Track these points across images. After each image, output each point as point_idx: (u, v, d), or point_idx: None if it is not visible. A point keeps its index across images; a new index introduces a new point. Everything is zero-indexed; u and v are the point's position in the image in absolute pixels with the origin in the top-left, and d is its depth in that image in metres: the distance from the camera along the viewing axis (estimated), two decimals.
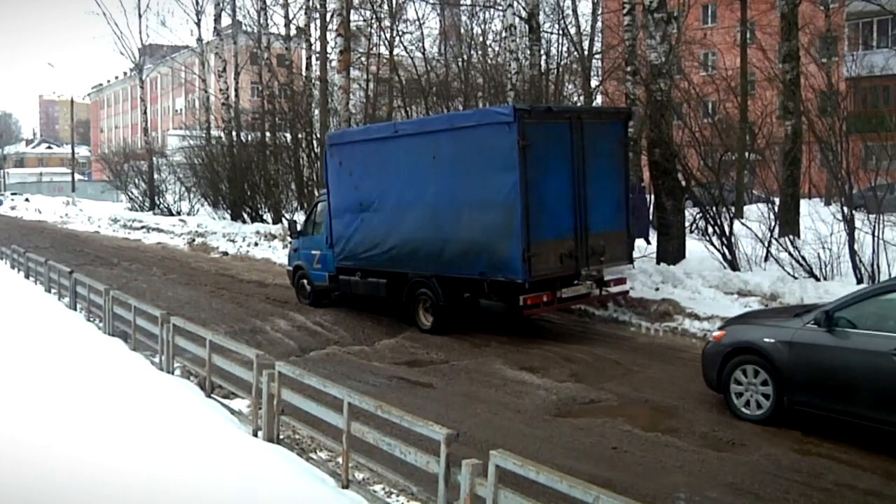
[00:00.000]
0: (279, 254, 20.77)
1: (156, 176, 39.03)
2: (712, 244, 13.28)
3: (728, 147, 14.52)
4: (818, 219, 11.83)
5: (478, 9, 29.72)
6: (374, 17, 28.57)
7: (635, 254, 14.51)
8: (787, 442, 6.74)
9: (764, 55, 17.08)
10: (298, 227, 14.74)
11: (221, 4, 32.92)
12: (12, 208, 55.72)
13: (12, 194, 69.77)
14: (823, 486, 5.90)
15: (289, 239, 16.70)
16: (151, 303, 11.82)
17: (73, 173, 67.70)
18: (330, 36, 24.28)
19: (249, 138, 31.34)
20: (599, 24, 28.53)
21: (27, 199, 63.46)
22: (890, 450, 6.36)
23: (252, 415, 7.33)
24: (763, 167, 14.79)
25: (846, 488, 5.87)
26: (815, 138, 13.02)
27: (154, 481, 5.62)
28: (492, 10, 28.99)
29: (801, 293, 11.03)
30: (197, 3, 34.69)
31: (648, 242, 15.24)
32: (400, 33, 28.60)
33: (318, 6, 27.50)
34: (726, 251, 13.07)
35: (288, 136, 29.37)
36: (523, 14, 21.77)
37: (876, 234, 11.12)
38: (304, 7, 29.58)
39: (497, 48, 27.57)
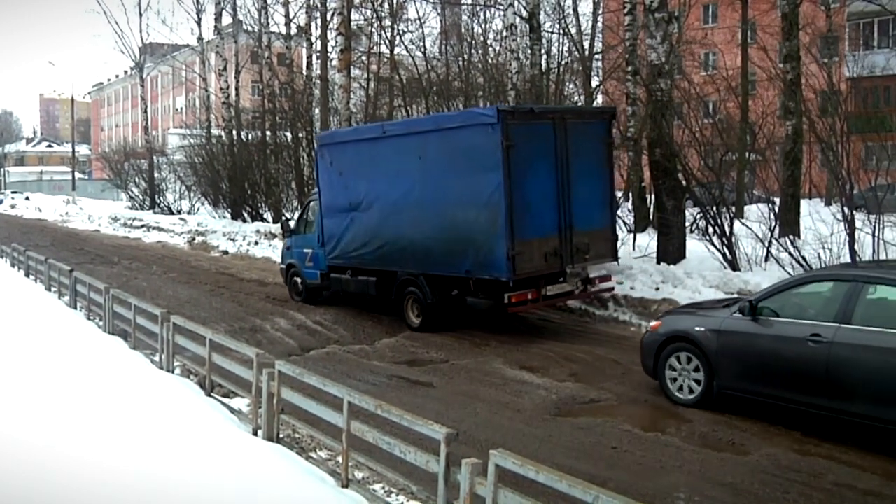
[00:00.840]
0: (279, 253, 20.72)
1: (156, 174, 39.00)
2: (713, 244, 13.27)
3: (729, 147, 14.53)
4: (819, 219, 11.82)
5: (478, 8, 29.81)
6: (374, 16, 28.57)
7: (636, 253, 14.58)
8: (787, 442, 6.74)
9: (765, 55, 17.04)
10: (291, 226, 14.84)
11: (222, 3, 32.85)
12: (12, 206, 55.77)
13: (13, 192, 69.95)
14: (823, 486, 5.90)
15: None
16: (151, 301, 11.82)
17: (73, 172, 67.90)
18: (330, 35, 24.30)
19: (250, 137, 31.27)
20: (600, 23, 28.57)
21: (27, 198, 63.60)
22: (890, 450, 6.36)
23: (252, 414, 7.34)
24: (764, 167, 14.79)
25: (846, 488, 5.87)
26: (815, 138, 13.00)
27: (154, 480, 5.62)
28: (492, 9, 29.07)
29: None
30: (197, 1, 34.71)
31: None
32: (401, 32, 28.56)
33: (319, 5, 27.50)
34: (727, 251, 13.05)
35: (288, 134, 29.34)
36: (524, 13, 21.76)
37: (876, 234, 11.10)
38: (304, 6, 29.64)
39: (498, 47, 27.54)
